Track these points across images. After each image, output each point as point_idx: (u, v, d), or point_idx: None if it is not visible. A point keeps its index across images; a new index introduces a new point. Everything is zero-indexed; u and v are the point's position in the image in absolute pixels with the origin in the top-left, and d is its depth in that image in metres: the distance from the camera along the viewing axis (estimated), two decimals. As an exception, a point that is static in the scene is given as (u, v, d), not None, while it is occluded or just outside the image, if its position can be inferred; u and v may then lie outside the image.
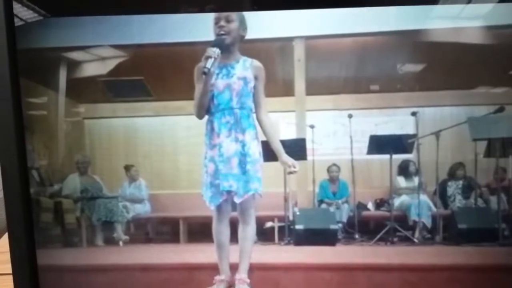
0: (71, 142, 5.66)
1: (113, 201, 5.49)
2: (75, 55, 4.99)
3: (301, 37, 4.99)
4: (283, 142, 4.82)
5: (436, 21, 3.87)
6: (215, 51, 3.13)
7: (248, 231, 3.44)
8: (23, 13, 2.92)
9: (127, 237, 5.40)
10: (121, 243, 5.34)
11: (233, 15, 3.21)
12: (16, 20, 2.78)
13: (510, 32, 3.71)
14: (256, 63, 3.40)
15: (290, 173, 3.49)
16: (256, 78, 3.37)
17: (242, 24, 3.25)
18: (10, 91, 2.56)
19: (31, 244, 2.93)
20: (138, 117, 6.19)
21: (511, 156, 4.97)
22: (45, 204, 4.88)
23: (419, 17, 3.84)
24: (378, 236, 5.24)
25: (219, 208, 3.38)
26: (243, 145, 3.36)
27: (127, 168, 5.80)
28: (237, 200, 3.33)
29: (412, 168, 5.65)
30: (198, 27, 3.19)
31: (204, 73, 3.14)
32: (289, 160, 3.42)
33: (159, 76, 5.39)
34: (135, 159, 6.11)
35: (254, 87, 3.37)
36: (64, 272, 3.86)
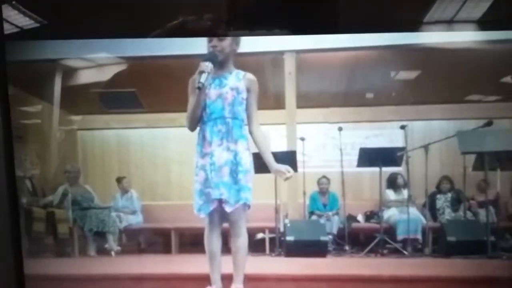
0: (64, 152, 5.66)
1: (105, 212, 5.45)
2: (69, 66, 4.98)
3: (291, 51, 5.10)
4: (274, 155, 4.80)
5: (426, 37, 3.86)
6: (208, 66, 3.11)
7: (240, 243, 3.38)
8: (19, 20, 2.90)
9: (119, 248, 5.38)
10: (113, 253, 5.33)
11: None
12: (11, 27, 2.76)
13: (499, 48, 3.71)
14: (250, 75, 3.38)
15: (287, 178, 3.43)
16: (248, 90, 3.34)
17: (235, 39, 3.24)
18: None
19: (19, 253, 2.78)
20: (131, 129, 6.34)
21: (499, 169, 4.97)
22: (37, 214, 4.87)
23: (409, 33, 3.84)
24: (368, 248, 5.22)
25: (210, 217, 3.34)
26: (235, 155, 3.32)
27: (119, 180, 5.78)
28: (228, 209, 3.28)
29: (401, 181, 5.63)
30: (191, 40, 3.18)
31: (199, 88, 3.12)
32: (282, 167, 3.37)
33: (151, 88, 5.47)
34: (128, 170, 6.22)
35: (247, 99, 3.34)
36: (56, 281, 3.84)
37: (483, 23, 3.02)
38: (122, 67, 4.69)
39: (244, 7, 2.73)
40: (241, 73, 3.37)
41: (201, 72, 3.12)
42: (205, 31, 2.92)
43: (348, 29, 2.91)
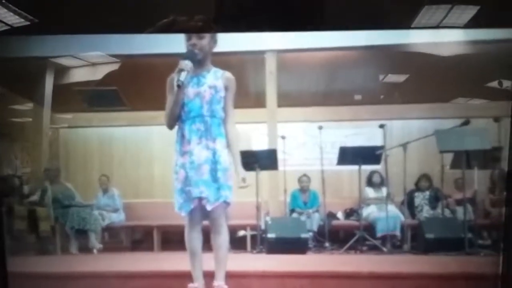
0: (46, 151, 5.65)
1: (86, 210, 5.45)
2: (51, 65, 4.98)
3: (273, 51, 5.16)
4: (255, 153, 4.85)
5: (407, 37, 3.91)
6: (187, 64, 3.09)
7: (220, 240, 3.37)
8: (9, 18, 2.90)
9: (100, 246, 5.39)
10: (95, 251, 5.34)
11: None
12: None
13: (479, 47, 3.78)
14: (228, 74, 3.36)
15: (241, 187, 3.41)
16: (226, 88, 3.33)
17: (213, 37, 3.24)
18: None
19: (1, 251, 2.84)
20: (113, 127, 6.42)
21: (476, 168, 5.04)
22: (19, 212, 4.99)
23: (390, 33, 3.88)
24: (347, 245, 5.28)
25: (190, 215, 3.33)
26: (214, 153, 3.30)
27: (99, 178, 5.77)
28: (208, 207, 3.27)
29: (380, 179, 5.72)
30: (173, 38, 3.18)
31: (178, 86, 3.09)
32: (241, 174, 3.36)
33: (133, 86, 5.52)
34: (110, 168, 6.28)
35: (224, 97, 3.33)
36: (39, 279, 3.81)
37: (468, 25, 3.04)
38: (104, 65, 4.66)
39: (227, 4, 2.73)
40: (219, 71, 3.35)
41: (181, 71, 3.08)
42: (187, 28, 2.90)
43: (330, 26, 2.91)
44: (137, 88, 5.38)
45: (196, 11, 2.76)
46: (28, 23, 2.87)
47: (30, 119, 5.34)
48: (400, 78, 5.41)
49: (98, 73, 4.95)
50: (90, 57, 4.78)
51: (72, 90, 5.23)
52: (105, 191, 5.86)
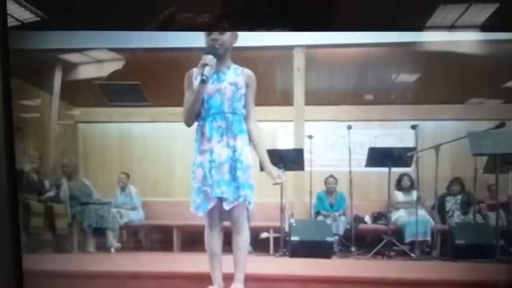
0: (64, 146, 5.65)
1: (104, 207, 5.43)
2: (71, 57, 4.96)
3: (301, 46, 5.07)
4: (281, 152, 4.86)
5: (437, 34, 3.83)
6: (212, 59, 3.06)
7: (240, 240, 3.30)
8: (20, 14, 2.87)
9: (119, 245, 5.39)
10: (113, 250, 5.34)
11: None
12: (11, 20, 2.72)
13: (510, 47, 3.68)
14: (248, 71, 3.30)
15: (276, 184, 3.35)
16: (247, 86, 3.27)
17: (234, 33, 3.19)
18: (1, 92, 2.48)
19: (17, 249, 2.74)
20: (134, 123, 6.42)
21: (511, 172, 4.93)
22: (36, 209, 4.94)
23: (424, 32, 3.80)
24: (374, 250, 5.21)
25: (210, 216, 3.28)
26: (234, 151, 3.24)
27: (118, 176, 5.84)
28: (226, 206, 3.21)
29: (410, 182, 5.63)
30: (195, 33, 3.13)
31: (203, 80, 3.05)
32: (274, 170, 3.29)
33: (155, 81, 5.53)
34: (130, 165, 6.29)
35: (245, 94, 3.27)
36: (54, 277, 3.80)
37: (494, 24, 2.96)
38: (126, 59, 4.63)
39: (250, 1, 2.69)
40: (239, 68, 3.28)
41: (204, 65, 3.05)
42: (209, 25, 2.86)
43: (358, 26, 2.86)
44: (160, 83, 5.34)
45: (208, 8, 2.70)
46: (39, 18, 2.85)
47: (42, 114, 5.31)
48: (434, 77, 5.31)
49: (119, 67, 4.92)
50: (110, 51, 4.75)
51: (92, 84, 5.20)
52: (123, 189, 5.88)
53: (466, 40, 3.83)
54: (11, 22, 2.70)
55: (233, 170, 3.24)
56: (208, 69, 3.04)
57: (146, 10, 2.68)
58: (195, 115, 3.24)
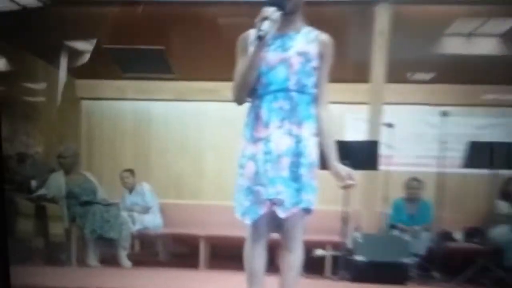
0: (62, 129, 5.32)
1: (112, 210, 4.91)
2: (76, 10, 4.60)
3: (386, 1, 4.63)
4: (348, 145, 4.27)
5: None
6: (274, 12, 2.47)
7: (292, 259, 2.79)
8: None
9: (130, 263, 4.90)
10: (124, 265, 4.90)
11: None
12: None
13: None
14: (324, 37, 2.74)
15: (346, 187, 2.68)
16: (321, 56, 2.78)
17: None
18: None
19: (4, 259, 2.45)
20: (153, 101, 5.99)
21: None
22: (25, 209, 4.49)
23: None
24: (464, 276, 4.70)
25: (256, 223, 2.76)
26: (298, 141, 2.70)
27: (120, 175, 5.34)
28: (281, 213, 2.74)
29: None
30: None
31: (260, 37, 2.47)
32: (343, 170, 2.69)
33: (184, 46, 5.03)
34: (146, 156, 5.92)
35: (318, 68, 2.65)
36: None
37: None
38: (146, 14, 4.17)
39: None
40: (313, 32, 2.72)
41: (264, 19, 2.46)
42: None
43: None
44: (189, 49, 4.87)
45: None
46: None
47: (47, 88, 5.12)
48: None
49: (136, 26, 4.55)
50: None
51: (99, 48, 4.68)
52: (131, 189, 5.41)
53: None
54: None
55: (294, 166, 2.67)
56: (267, 23, 2.44)
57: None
58: (249, 88, 2.68)
